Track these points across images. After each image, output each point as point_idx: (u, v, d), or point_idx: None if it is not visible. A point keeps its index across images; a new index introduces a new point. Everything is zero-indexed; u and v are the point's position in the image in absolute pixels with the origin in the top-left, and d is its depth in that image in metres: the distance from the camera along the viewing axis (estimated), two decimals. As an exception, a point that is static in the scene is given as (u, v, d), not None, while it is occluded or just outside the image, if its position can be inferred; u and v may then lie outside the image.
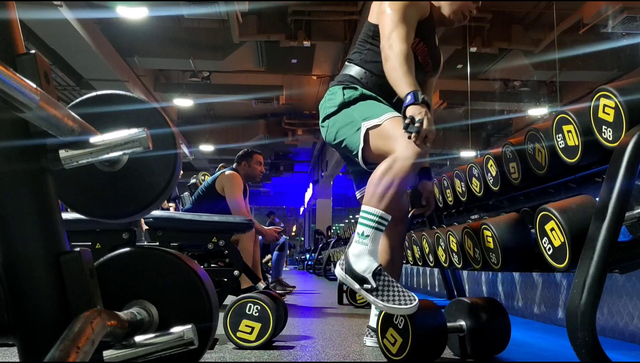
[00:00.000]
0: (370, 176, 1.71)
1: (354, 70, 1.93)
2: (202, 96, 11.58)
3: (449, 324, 1.81)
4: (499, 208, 2.56)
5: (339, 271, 1.69)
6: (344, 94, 1.85)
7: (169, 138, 0.95)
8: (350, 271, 1.64)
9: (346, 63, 1.99)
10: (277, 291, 3.62)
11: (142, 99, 0.98)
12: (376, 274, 1.62)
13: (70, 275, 0.77)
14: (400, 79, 1.70)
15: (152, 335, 0.86)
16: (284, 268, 7.82)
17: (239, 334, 1.99)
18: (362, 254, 1.64)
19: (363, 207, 1.69)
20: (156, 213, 2.20)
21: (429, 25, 1.93)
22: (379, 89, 1.87)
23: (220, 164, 5.25)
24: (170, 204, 5.03)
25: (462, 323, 1.84)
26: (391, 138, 1.70)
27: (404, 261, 2.91)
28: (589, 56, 8.03)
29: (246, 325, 1.99)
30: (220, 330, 1.71)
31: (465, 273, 3.90)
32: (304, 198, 22.76)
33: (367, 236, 1.66)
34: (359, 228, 1.68)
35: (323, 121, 1.93)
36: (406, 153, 1.64)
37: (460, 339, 1.85)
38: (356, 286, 1.63)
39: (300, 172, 19.64)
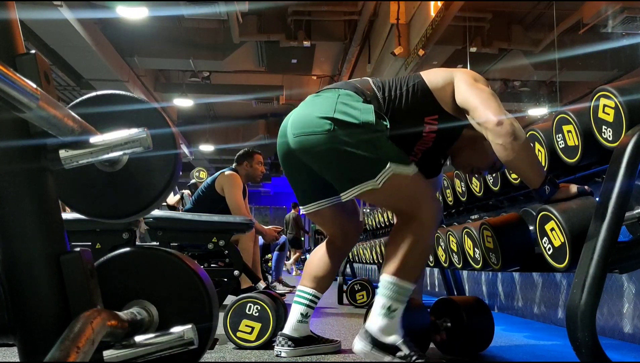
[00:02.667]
0: (391, 243, 1.58)
1: (379, 104, 1.63)
2: (202, 96, 11.57)
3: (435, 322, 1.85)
4: (499, 208, 2.56)
5: (360, 347, 1.56)
6: (375, 117, 1.57)
7: (169, 138, 0.95)
8: (378, 345, 1.53)
9: (373, 83, 1.69)
10: (277, 291, 3.62)
11: (142, 99, 0.98)
12: (406, 342, 1.55)
13: (70, 275, 0.77)
14: (537, 166, 1.57)
15: (152, 335, 0.86)
16: (284, 268, 7.81)
17: (239, 334, 1.99)
18: (391, 328, 1.54)
19: (392, 279, 1.55)
20: (156, 213, 2.20)
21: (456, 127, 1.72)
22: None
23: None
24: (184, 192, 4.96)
25: (447, 321, 1.89)
26: (416, 197, 1.57)
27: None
28: (589, 56, 8.02)
29: (246, 325, 1.99)
30: (220, 330, 1.71)
31: (465, 273, 3.90)
32: (304, 198, 22.66)
33: (396, 310, 1.55)
34: (386, 301, 1.54)
35: (322, 119, 1.57)
36: (431, 222, 1.56)
37: (444, 336, 1.89)
38: (387, 358, 1.52)
39: (300, 172, 19.56)
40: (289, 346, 1.83)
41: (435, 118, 1.65)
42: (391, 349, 1.52)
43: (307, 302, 1.87)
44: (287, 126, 1.71)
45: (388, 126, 1.59)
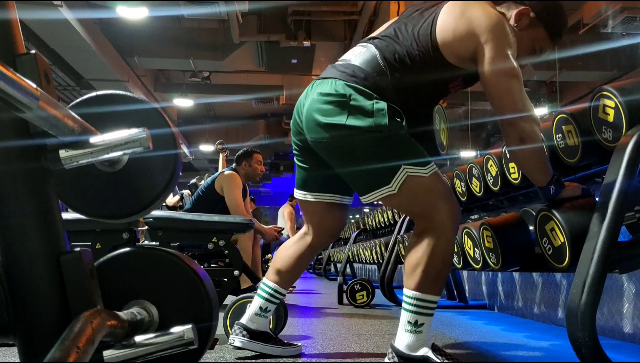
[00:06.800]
0: (409, 254, 1.52)
1: (389, 89, 1.55)
2: (202, 96, 11.58)
3: None
4: (499, 208, 2.56)
5: None
6: (389, 117, 1.48)
7: (169, 138, 0.95)
8: (408, 360, 1.47)
9: (380, 59, 1.57)
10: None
11: (142, 99, 0.98)
12: (434, 349, 1.48)
13: (70, 275, 0.77)
14: (545, 166, 1.54)
15: (152, 335, 0.86)
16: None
17: (239, 334, 1.98)
18: (419, 343, 1.47)
19: (414, 294, 1.48)
20: (156, 213, 2.20)
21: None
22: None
23: (218, 142, 5.25)
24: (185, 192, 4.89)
25: None
26: (431, 199, 1.50)
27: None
28: (589, 56, 8.02)
29: (246, 325, 1.98)
30: (220, 330, 1.71)
31: (465, 273, 3.90)
32: (304, 198, 22.66)
33: (423, 324, 1.48)
34: (411, 317, 1.47)
35: (333, 126, 1.51)
36: (448, 227, 1.48)
37: None
38: None
39: (300, 172, 19.56)
40: (243, 336, 1.76)
41: (459, 80, 1.62)
42: (422, 362, 1.46)
43: (266, 296, 1.81)
44: (301, 117, 1.63)
45: (404, 123, 1.52)
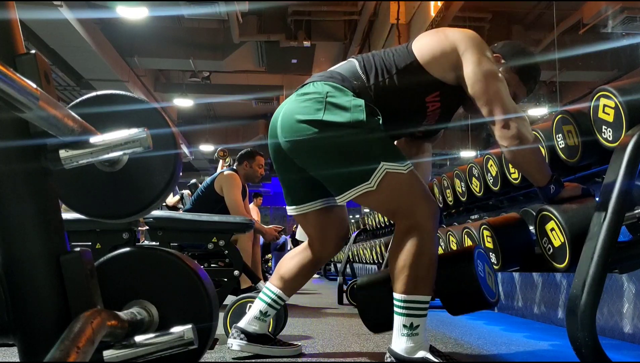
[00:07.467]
0: (393, 257, 1.50)
1: (369, 93, 1.57)
2: (202, 96, 11.58)
3: None
4: (499, 208, 2.56)
5: None
6: (366, 113, 1.50)
7: (169, 138, 0.95)
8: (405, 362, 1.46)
9: (359, 67, 1.61)
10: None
11: (142, 99, 0.98)
12: (432, 350, 1.47)
13: (70, 275, 0.77)
14: (543, 166, 1.55)
15: (152, 335, 0.86)
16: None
17: (239, 334, 1.98)
18: (417, 345, 1.45)
19: (406, 297, 1.46)
20: (156, 213, 2.20)
21: (460, 93, 1.60)
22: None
23: (219, 149, 5.23)
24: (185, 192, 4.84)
25: None
26: (410, 198, 1.49)
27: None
28: (589, 56, 8.03)
29: (246, 325, 1.98)
30: (220, 330, 1.71)
31: (465, 273, 3.89)
32: (304, 198, 22.66)
33: (418, 326, 1.46)
34: (406, 320, 1.46)
35: (309, 122, 1.52)
36: (429, 224, 1.48)
37: None
38: None
39: (300, 172, 19.56)
40: (241, 339, 1.76)
41: (437, 95, 1.60)
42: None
43: (269, 301, 1.80)
44: (276, 125, 1.66)
45: (381, 121, 1.53)
